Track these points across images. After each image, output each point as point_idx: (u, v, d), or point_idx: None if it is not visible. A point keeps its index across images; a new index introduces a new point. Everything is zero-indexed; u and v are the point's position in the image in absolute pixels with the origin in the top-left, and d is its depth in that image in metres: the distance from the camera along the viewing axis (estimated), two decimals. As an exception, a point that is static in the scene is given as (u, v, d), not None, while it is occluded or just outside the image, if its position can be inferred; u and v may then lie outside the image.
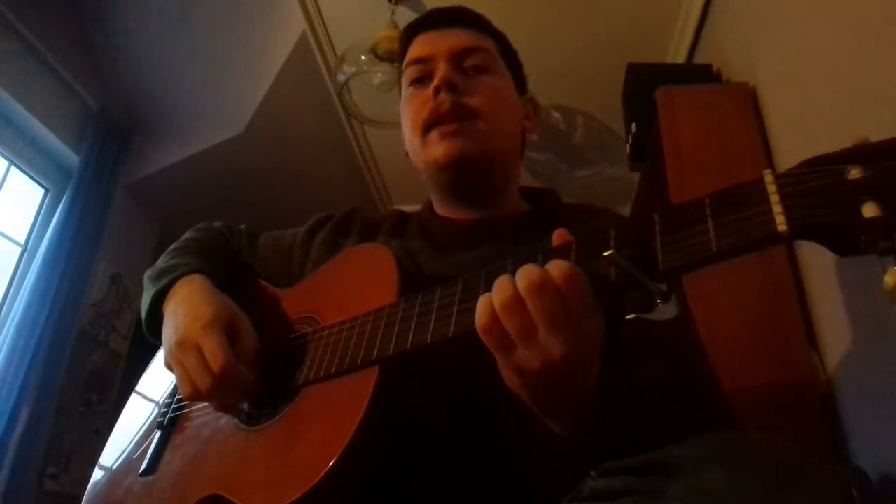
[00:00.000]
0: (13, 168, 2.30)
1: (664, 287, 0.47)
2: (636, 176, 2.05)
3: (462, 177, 0.81)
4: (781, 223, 0.40)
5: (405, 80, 0.89)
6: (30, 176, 2.37)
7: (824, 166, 0.41)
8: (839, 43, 1.19)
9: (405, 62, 0.89)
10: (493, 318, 0.49)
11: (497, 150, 0.82)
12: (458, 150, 0.79)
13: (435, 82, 0.81)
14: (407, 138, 0.88)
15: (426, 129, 0.81)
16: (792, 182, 0.41)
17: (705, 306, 1.32)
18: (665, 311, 0.46)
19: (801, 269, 1.37)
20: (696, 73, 1.89)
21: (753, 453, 0.41)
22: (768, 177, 0.43)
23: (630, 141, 1.85)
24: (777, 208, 0.41)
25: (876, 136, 0.43)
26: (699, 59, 2.15)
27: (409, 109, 0.85)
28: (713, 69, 1.84)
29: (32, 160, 2.35)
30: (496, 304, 0.49)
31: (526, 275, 0.48)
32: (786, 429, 1.18)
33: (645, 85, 1.72)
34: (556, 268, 0.48)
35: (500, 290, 0.49)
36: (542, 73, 2.52)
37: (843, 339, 1.18)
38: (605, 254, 0.48)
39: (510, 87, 0.88)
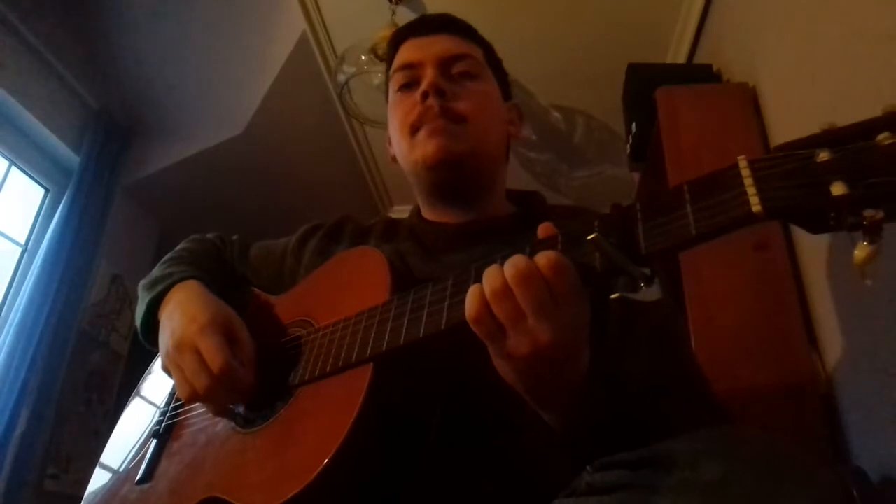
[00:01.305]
0: (13, 168, 2.30)
1: (647, 271, 0.49)
2: (636, 176, 2.05)
3: (449, 176, 0.83)
4: (756, 204, 0.42)
5: (393, 85, 0.90)
6: (30, 176, 2.37)
7: (795, 150, 0.43)
8: (839, 43, 1.19)
9: (393, 68, 0.90)
10: (483, 306, 0.50)
11: (483, 152, 0.84)
12: (446, 148, 0.80)
13: (423, 87, 0.82)
14: (395, 142, 0.89)
15: (414, 130, 0.83)
16: (765, 166, 0.44)
17: (705, 306, 1.32)
18: (649, 293, 0.48)
19: (801, 268, 1.37)
20: (696, 74, 1.90)
21: (748, 447, 0.42)
22: (742, 162, 0.45)
23: (630, 141, 1.85)
24: (751, 191, 0.43)
25: None
26: (699, 59, 2.15)
27: (398, 114, 0.86)
28: (713, 69, 1.84)
29: (33, 160, 2.35)
30: (487, 292, 0.50)
31: (513, 264, 0.50)
32: (786, 428, 1.18)
33: (645, 85, 1.72)
34: (543, 256, 0.50)
35: (490, 278, 0.51)
36: (542, 73, 2.54)
37: (843, 338, 1.18)
38: (589, 237, 0.49)
39: (496, 93, 0.90)
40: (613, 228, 0.50)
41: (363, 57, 2.14)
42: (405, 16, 2.14)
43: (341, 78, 2.21)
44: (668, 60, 2.28)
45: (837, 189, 0.40)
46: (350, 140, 2.88)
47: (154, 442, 0.79)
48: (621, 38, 2.25)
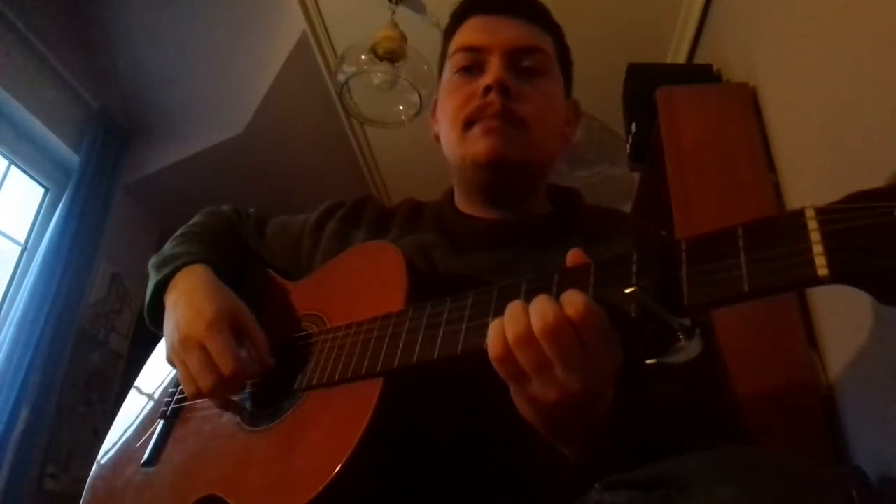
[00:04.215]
0: (13, 167, 2.30)
1: (688, 322, 0.43)
2: (636, 176, 2.05)
3: (497, 179, 0.78)
4: (822, 266, 0.37)
5: (451, 65, 0.82)
6: (30, 175, 2.37)
7: (873, 202, 0.37)
8: (839, 43, 1.19)
9: (455, 46, 0.82)
10: (507, 349, 0.47)
11: (536, 160, 0.79)
12: (500, 150, 0.75)
13: (487, 80, 0.76)
14: (444, 129, 0.83)
15: (468, 124, 0.77)
16: (836, 219, 0.38)
17: (705, 306, 1.32)
18: (687, 349, 0.43)
19: (802, 269, 1.37)
20: (696, 74, 1.89)
21: (761, 468, 0.40)
22: (809, 211, 0.39)
23: (630, 141, 1.85)
24: (817, 248, 0.37)
25: (876, 136, 0.42)
26: (699, 59, 2.15)
27: (453, 101, 0.80)
28: (713, 69, 1.84)
29: (32, 160, 2.35)
30: (509, 336, 0.47)
31: (541, 315, 0.46)
32: (786, 430, 1.18)
33: (645, 85, 1.72)
34: (572, 305, 0.46)
35: (513, 321, 0.47)
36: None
37: (844, 340, 1.18)
38: (627, 291, 0.45)
39: (560, 93, 0.84)
40: (653, 269, 0.45)
41: (363, 57, 2.13)
42: (405, 15, 2.14)
43: (341, 78, 2.20)
44: (669, 60, 2.28)
45: None
46: (350, 140, 2.87)
47: (161, 424, 0.79)
48: (621, 38, 2.25)
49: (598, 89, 2.41)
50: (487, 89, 0.76)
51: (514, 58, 0.78)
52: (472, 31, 0.82)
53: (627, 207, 2.27)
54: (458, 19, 0.85)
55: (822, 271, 0.37)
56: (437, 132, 0.87)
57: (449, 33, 0.86)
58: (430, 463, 0.62)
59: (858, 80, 1.11)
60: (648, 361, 0.45)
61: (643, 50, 2.21)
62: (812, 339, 1.28)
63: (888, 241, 0.36)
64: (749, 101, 1.58)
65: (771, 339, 1.28)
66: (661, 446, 0.52)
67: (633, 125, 1.81)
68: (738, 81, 1.69)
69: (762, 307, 1.31)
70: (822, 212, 0.38)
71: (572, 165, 2.94)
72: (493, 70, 0.76)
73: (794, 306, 1.30)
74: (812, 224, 0.38)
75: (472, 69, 0.80)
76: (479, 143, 0.75)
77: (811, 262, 0.37)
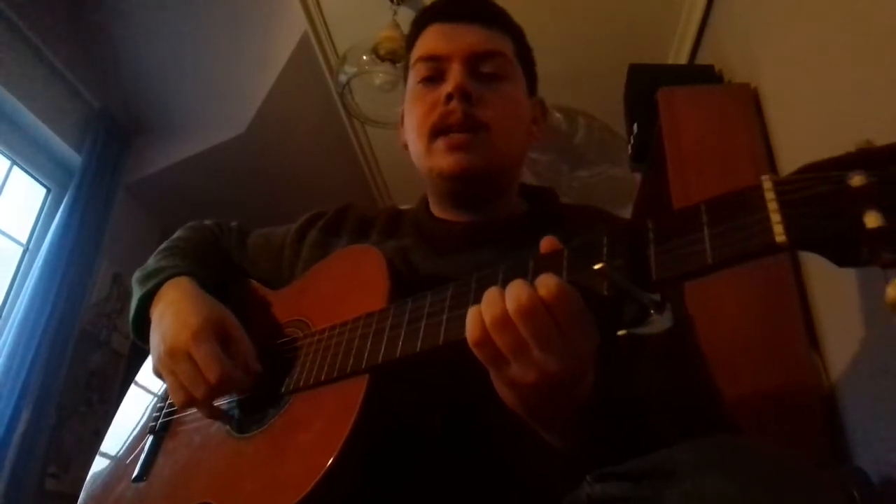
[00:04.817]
0: (15, 168, 2.30)
1: (658, 297, 0.45)
2: (638, 177, 2.05)
3: (465, 188, 0.80)
4: (780, 233, 0.39)
5: (414, 74, 0.84)
6: (32, 175, 2.38)
7: (825, 172, 0.39)
8: (840, 44, 1.19)
9: (416, 55, 0.84)
10: (485, 333, 0.48)
11: (502, 164, 0.80)
12: (464, 164, 0.76)
13: (448, 88, 0.77)
14: (410, 138, 0.85)
15: (433, 135, 0.78)
16: (791, 189, 0.40)
17: (706, 308, 1.32)
18: (659, 322, 0.45)
19: (803, 269, 1.37)
20: (697, 74, 1.89)
21: (752, 459, 0.41)
22: (767, 183, 0.41)
23: (631, 142, 1.85)
24: (775, 217, 0.39)
25: (879, 137, 0.42)
26: (701, 59, 2.15)
27: (417, 110, 0.82)
28: (715, 70, 1.84)
29: (34, 160, 2.35)
30: (486, 320, 0.48)
31: (515, 297, 0.47)
32: (787, 430, 1.18)
33: (646, 86, 1.72)
34: (545, 286, 0.47)
35: (490, 305, 0.48)
36: (543, 74, 2.51)
37: (845, 340, 1.18)
38: (596, 267, 0.46)
39: (522, 94, 0.85)
40: (622, 249, 0.47)
41: (365, 57, 2.14)
42: (407, 16, 2.14)
43: (343, 78, 2.21)
44: (670, 61, 2.28)
45: (872, 220, 0.36)
46: (351, 140, 2.88)
47: (150, 438, 0.79)
48: (622, 38, 2.25)
49: (599, 90, 2.42)
50: (449, 97, 0.77)
51: (474, 63, 0.80)
52: (431, 40, 0.83)
53: (629, 208, 2.28)
54: (417, 29, 0.87)
55: (781, 238, 0.39)
56: (404, 141, 0.89)
57: (410, 43, 0.88)
58: (420, 459, 0.63)
59: (860, 81, 1.11)
60: (620, 332, 0.47)
61: (644, 50, 2.21)
62: (813, 340, 1.28)
63: (841, 206, 0.38)
64: (750, 102, 1.58)
65: (771, 339, 1.28)
66: (645, 434, 0.53)
67: (635, 126, 1.81)
68: (740, 82, 1.69)
69: (762, 307, 1.31)
70: (778, 183, 0.40)
71: (573, 166, 2.94)
72: (454, 77, 0.78)
73: (794, 306, 1.30)
74: (770, 195, 0.40)
75: (434, 78, 0.81)
76: (445, 159, 0.77)
77: (769, 230, 0.39)
